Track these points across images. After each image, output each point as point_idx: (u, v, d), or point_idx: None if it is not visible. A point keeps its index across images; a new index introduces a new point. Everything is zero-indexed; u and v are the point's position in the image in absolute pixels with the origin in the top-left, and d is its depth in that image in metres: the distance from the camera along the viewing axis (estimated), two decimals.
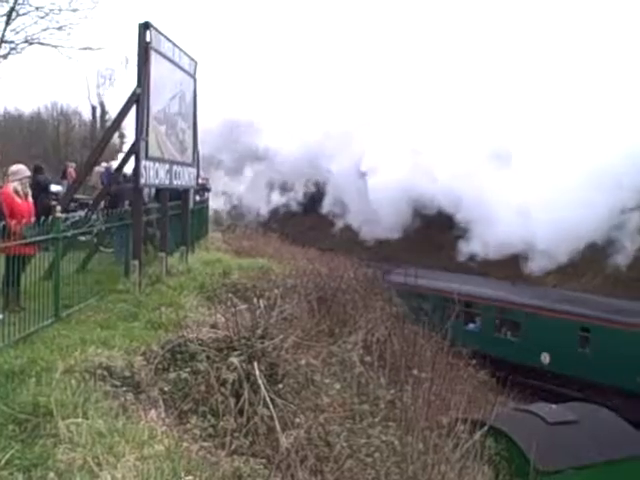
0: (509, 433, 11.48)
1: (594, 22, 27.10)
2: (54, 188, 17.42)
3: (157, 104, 11.62)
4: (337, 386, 8.63)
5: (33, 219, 8.80)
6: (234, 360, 7.35)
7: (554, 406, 13.37)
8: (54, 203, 13.27)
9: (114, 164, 26.76)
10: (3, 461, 4.78)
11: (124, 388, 6.57)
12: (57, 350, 7.11)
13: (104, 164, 18.49)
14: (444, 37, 32.86)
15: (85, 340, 7.54)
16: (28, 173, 9.60)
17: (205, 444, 6.01)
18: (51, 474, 4.66)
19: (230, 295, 10.91)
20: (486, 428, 10.41)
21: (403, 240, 35.82)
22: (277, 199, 42.98)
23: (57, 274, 8.84)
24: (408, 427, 9.09)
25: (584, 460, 11.56)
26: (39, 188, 14.11)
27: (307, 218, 42.37)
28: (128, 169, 12.67)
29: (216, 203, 34.51)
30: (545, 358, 23.01)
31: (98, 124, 48.56)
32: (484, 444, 10.30)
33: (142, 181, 11.04)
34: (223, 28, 38.74)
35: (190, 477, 5.03)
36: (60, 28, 21.79)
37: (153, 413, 6.30)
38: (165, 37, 11.79)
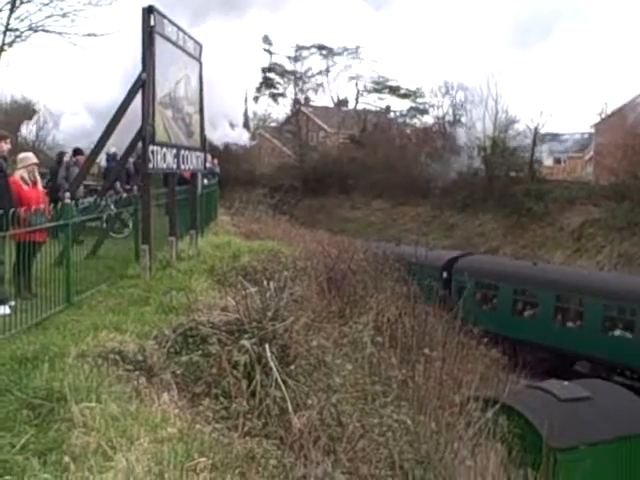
0: (521, 410, 11.49)
1: None
2: None
3: (163, 89, 11.56)
4: (349, 367, 8.65)
5: (42, 206, 8.81)
6: (245, 342, 7.36)
7: (566, 383, 13.36)
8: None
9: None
10: (18, 446, 4.82)
11: (137, 372, 6.59)
12: (69, 335, 7.15)
13: (113, 149, 18.47)
14: None
15: (97, 325, 7.57)
16: (34, 160, 9.61)
17: (218, 426, 6.03)
18: (66, 458, 4.70)
19: (240, 278, 10.92)
20: (498, 406, 10.45)
21: None
22: None
23: (68, 260, 8.87)
24: (420, 406, 9.14)
25: (597, 436, 11.57)
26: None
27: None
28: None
29: None
30: None
31: None
32: (496, 422, 10.32)
33: (150, 166, 11.03)
34: None
35: (203, 459, 5.06)
36: (64, 15, 21.77)
37: (166, 396, 6.33)
38: (169, 20, 11.69)
